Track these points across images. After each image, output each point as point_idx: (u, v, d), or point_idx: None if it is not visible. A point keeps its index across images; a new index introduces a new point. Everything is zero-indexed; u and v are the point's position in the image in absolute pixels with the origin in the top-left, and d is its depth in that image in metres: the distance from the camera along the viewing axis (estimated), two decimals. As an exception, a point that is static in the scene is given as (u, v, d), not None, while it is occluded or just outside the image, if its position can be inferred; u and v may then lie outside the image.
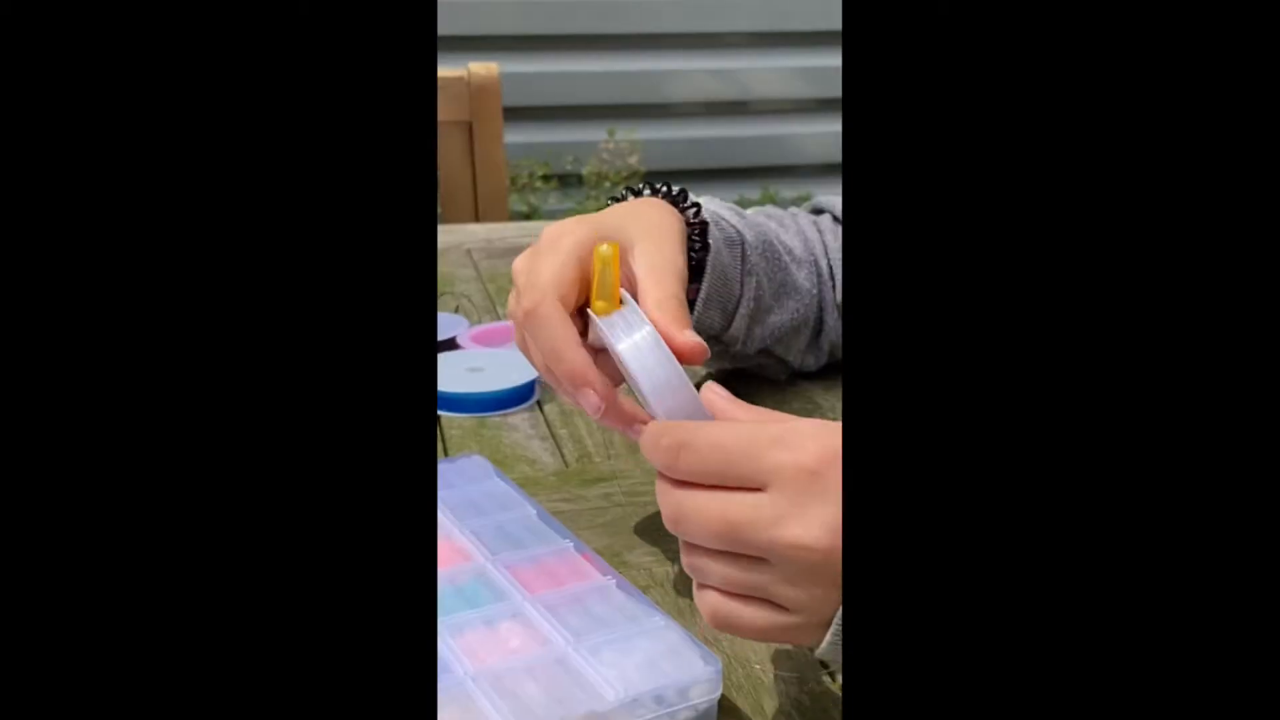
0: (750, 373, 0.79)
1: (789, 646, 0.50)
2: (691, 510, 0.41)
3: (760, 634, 0.42)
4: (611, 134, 2.59)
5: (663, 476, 0.43)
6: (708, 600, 0.43)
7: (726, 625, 0.43)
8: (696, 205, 0.65)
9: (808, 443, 0.40)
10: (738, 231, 0.69)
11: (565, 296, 0.51)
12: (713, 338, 0.70)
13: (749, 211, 0.77)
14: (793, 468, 0.39)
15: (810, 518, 0.39)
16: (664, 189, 0.66)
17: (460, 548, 0.53)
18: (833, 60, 2.80)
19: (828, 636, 0.41)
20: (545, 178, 2.55)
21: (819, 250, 0.77)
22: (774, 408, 0.45)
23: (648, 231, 0.56)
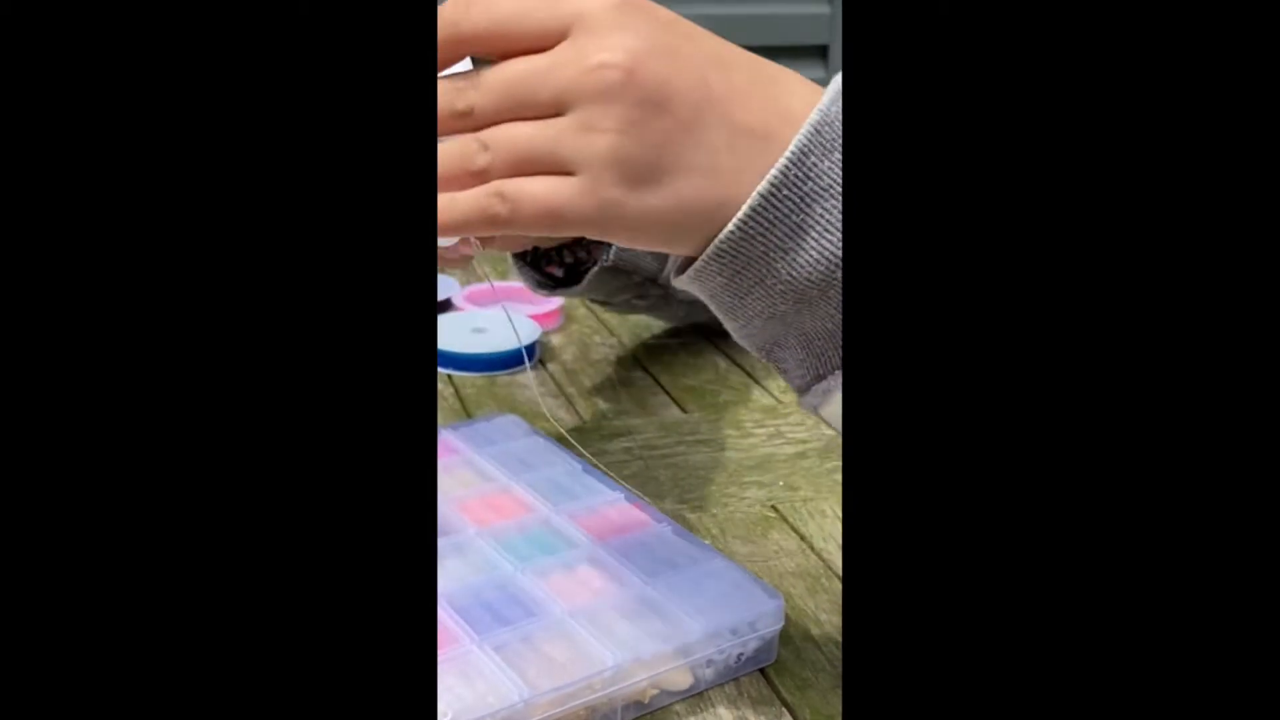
0: (713, 329, 0.82)
1: (820, 573, 0.55)
2: (486, 77, 0.38)
3: (543, 206, 0.37)
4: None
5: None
6: (488, 188, 0.38)
7: (505, 201, 0.38)
8: None
9: None
10: None
11: None
12: (649, 280, 0.71)
13: None
14: (598, 6, 0.37)
15: (612, 43, 0.37)
16: None
17: (522, 500, 0.57)
18: (775, 9, 2.82)
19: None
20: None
21: None
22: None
23: None
